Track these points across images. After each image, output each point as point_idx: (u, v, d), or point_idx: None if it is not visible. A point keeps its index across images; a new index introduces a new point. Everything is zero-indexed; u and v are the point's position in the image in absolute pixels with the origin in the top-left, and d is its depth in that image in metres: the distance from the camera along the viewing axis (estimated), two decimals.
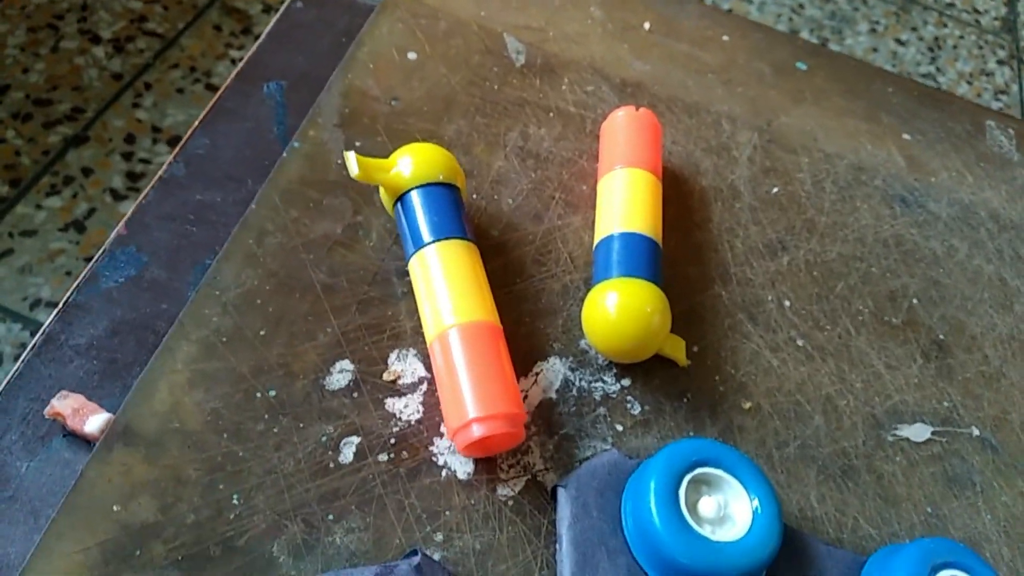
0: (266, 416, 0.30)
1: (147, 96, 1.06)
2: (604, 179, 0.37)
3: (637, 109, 0.39)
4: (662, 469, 0.29)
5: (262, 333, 0.31)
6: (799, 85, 0.48)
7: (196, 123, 0.37)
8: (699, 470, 0.29)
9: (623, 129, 0.38)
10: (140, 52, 1.10)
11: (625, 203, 0.35)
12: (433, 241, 0.32)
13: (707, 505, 0.28)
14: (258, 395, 0.30)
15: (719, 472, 0.29)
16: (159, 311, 0.32)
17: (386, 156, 0.38)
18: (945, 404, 0.36)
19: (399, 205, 0.34)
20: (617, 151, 0.38)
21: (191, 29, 1.14)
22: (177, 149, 0.36)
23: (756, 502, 0.28)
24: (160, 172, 0.35)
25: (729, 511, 0.29)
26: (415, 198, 0.33)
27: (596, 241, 0.35)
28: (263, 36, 0.42)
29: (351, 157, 0.32)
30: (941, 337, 0.39)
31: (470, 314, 0.30)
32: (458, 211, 0.33)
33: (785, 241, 0.40)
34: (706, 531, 0.28)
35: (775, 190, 0.42)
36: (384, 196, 0.34)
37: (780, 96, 0.47)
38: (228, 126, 0.38)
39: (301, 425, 0.30)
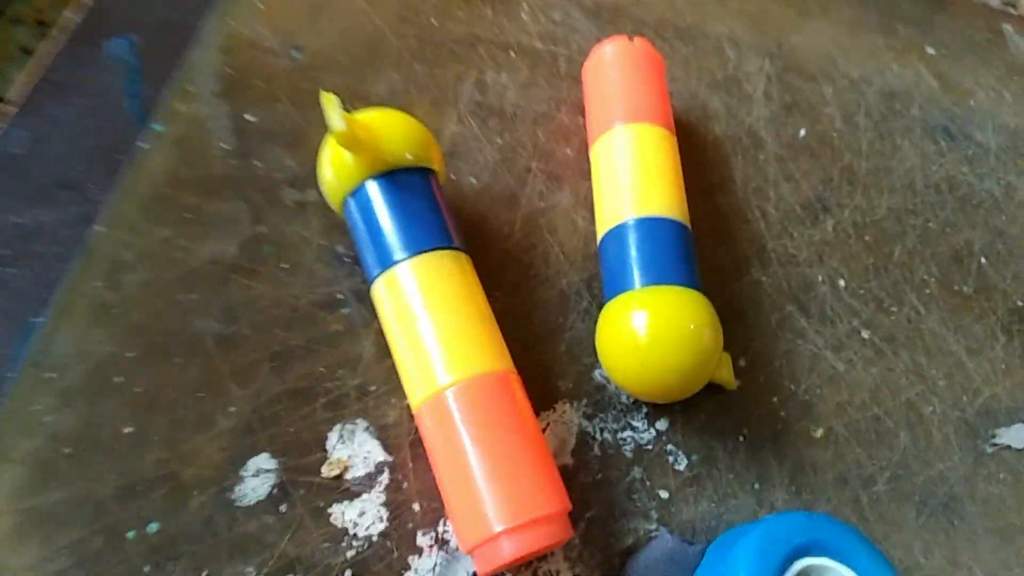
0: (148, 568, 0.19)
1: None
2: (600, 141, 0.27)
3: (631, 39, 0.29)
4: (752, 570, 0.20)
5: (128, 430, 0.20)
6: None
7: (10, 109, 0.26)
8: (800, 563, 0.20)
9: (616, 69, 0.28)
10: None
11: (636, 176, 0.25)
12: (411, 255, 0.22)
13: None
14: (131, 534, 0.19)
15: (826, 562, 0.20)
16: None
17: (291, 131, 0.27)
18: None
19: (352, 202, 0.23)
20: (612, 102, 0.27)
21: None
22: None
23: None
24: None
25: None
26: (376, 192, 0.22)
27: (602, 232, 0.25)
28: None
29: (333, 103, 0.20)
30: (1019, 303, 0.31)
31: (475, 364, 0.21)
32: (442, 207, 0.23)
33: (825, 199, 0.31)
34: None
35: (802, 133, 0.33)
36: (332, 186, 0.23)
37: (783, 9, 0.37)
38: (58, 107, 0.26)
39: (205, 574, 0.19)
